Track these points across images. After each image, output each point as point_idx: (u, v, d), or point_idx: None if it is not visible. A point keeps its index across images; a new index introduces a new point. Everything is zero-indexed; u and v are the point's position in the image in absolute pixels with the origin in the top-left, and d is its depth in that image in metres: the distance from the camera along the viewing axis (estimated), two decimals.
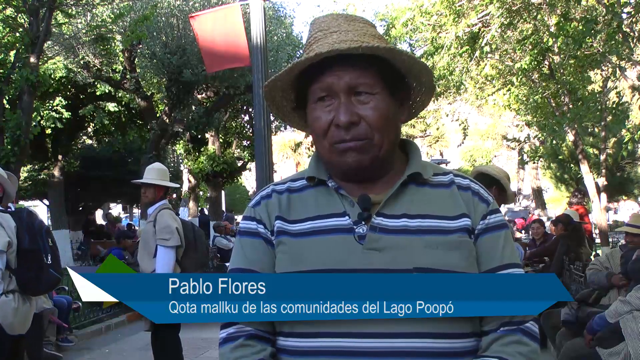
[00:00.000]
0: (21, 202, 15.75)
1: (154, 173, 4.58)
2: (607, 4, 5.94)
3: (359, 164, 1.22)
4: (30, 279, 3.46)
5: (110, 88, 14.50)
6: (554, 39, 7.29)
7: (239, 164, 18.15)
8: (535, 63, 8.46)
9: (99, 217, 25.18)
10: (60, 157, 16.44)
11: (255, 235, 1.27)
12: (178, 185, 15.59)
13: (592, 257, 7.56)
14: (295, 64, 1.22)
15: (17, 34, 9.20)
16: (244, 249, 1.28)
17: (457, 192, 1.26)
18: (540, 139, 12.86)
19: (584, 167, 10.21)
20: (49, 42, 11.14)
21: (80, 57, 13.22)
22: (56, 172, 16.33)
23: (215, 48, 6.94)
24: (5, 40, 9.53)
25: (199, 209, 19.65)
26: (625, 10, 6.51)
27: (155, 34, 13.03)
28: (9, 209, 3.70)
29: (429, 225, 1.20)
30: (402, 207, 1.22)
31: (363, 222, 1.21)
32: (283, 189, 1.31)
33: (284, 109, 1.37)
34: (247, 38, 6.71)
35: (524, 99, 10.63)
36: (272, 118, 8.51)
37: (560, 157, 18.27)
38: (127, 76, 13.74)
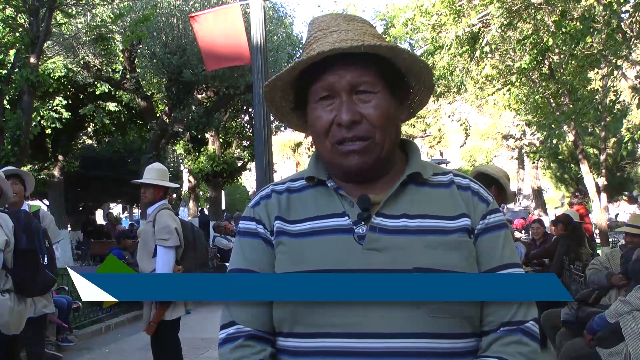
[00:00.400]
0: None
1: (153, 173, 4.58)
2: (606, 3, 5.92)
3: (362, 167, 1.21)
4: (26, 279, 3.47)
5: (110, 88, 14.50)
6: (553, 38, 7.29)
7: (239, 164, 18.15)
8: (535, 63, 8.45)
9: (99, 217, 25.18)
10: (60, 157, 16.45)
11: (254, 236, 1.27)
12: (178, 185, 15.58)
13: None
14: (296, 62, 1.21)
15: (17, 34, 9.20)
16: (243, 249, 1.27)
17: (456, 192, 1.26)
18: (540, 138, 12.87)
19: (584, 167, 10.22)
20: (49, 42, 11.14)
21: (80, 57, 13.23)
22: (56, 172, 16.33)
23: (215, 48, 6.93)
24: (5, 40, 9.53)
25: (199, 209, 19.64)
26: (624, 9, 6.49)
27: (155, 34, 13.03)
28: (23, 208, 3.72)
29: (429, 225, 1.20)
30: (402, 207, 1.22)
31: (363, 223, 1.20)
32: (282, 189, 1.30)
33: (282, 109, 1.36)
34: (247, 38, 6.70)
35: (524, 99, 10.63)
36: (272, 118, 8.50)
37: (560, 157, 18.27)
38: (127, 76, 13.75)
